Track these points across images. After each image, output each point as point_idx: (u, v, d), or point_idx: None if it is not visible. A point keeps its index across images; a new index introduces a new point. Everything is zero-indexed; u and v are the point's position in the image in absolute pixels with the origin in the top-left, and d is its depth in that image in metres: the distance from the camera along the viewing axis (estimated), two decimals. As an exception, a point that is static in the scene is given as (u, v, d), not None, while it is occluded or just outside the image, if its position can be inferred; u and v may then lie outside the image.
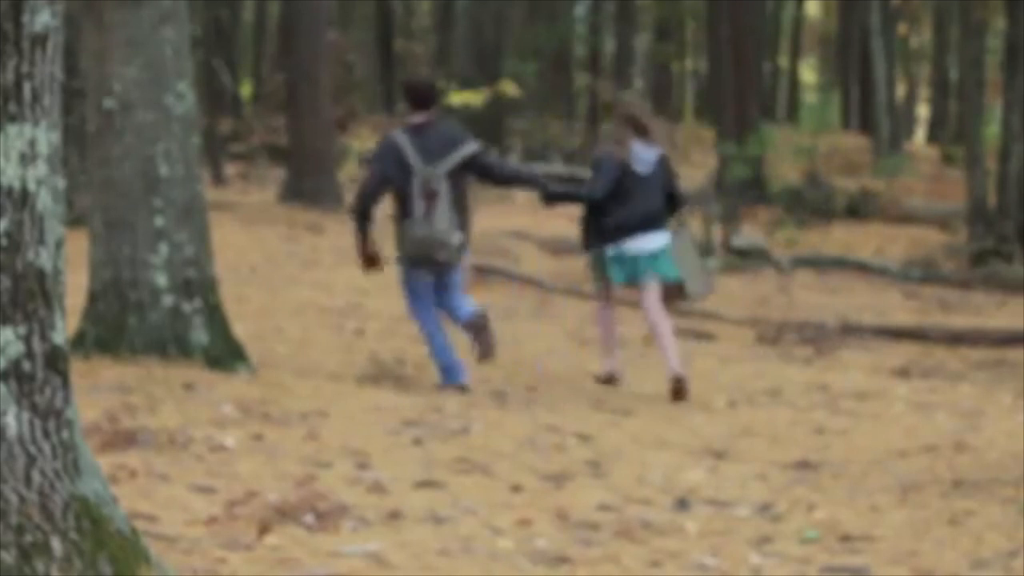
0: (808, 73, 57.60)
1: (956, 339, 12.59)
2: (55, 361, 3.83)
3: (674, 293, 9.68)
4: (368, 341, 10.86)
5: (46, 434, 3.79)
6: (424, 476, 6.37)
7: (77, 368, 5.02)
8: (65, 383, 3.86)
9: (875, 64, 32.40)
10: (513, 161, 24.30)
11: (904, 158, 29.58)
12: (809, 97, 51.71)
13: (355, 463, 6.52)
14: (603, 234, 9.46)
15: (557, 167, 24.23)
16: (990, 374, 10.84)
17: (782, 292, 16.08)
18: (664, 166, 9.57)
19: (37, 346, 3.78)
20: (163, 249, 8.66)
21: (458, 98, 24.90)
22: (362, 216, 9.10)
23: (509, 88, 25.27)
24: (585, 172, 12.67)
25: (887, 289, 17.01)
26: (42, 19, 3.79)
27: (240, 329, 9.22)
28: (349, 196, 15.08)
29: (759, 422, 8.50)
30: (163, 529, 5.15)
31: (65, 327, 3.89)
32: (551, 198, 9.78)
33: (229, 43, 30.56)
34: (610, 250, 9.43)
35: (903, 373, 10.92)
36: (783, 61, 48.95)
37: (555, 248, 18.03)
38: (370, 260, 9.17)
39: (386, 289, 11.70)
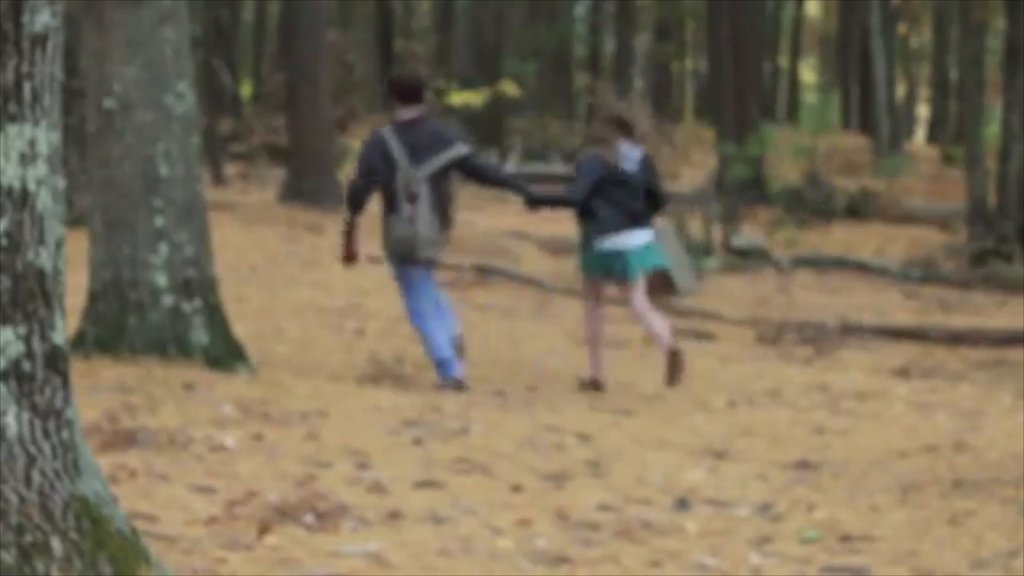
0: (808, 73, 57.63)
1: (956, 339, 12.60)
2: (55, 361, 3.83)
3: (662, 286, 9.78)
4: (368, 341, 10.86)
5: (46, 434, 3.79)
6: (424, 476, 6.37)
7: (77, 368, 5.02)
8: (65, 383, 3.86)
9: (875, 64, 32.42)
10: (514, 160, 24.34)
11: (904, 158, 29.60)
12: (809, 97, 51.74)
13: (355, 463, 6.52)
14: (590, 231, 9.56)
15: (557, 167, 24.21)
16: (990, 374, 10.84)
17: (782, 292, 16.08)
18: (647, 165, 9.69)
19: (37, 346, 3.78)
20: (163, 249, 8.66)
21: (458, 98, 24.89)
22: (354, 207, 9.19)
23: (509, 88, 25.26)
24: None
25: (887, 289, 17.02)
26: (42, 19, 3.79)
27: (240, 329, 9.22)
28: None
29: (759, 422, 8.50)
30: (163, 529, 5.15)
31: (65, 327, 3.89)
32: (534, 203, 9.88)
33: (229, 43, 30.56)
34: (596, 246, 9.52)
35: (903, 373, 10.92)
36: (783, 61, 48.97)
37: (555, 248, 18.03)
38: (350, 255, 9.32)
39: (386, 289, 11.69)
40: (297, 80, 20.87)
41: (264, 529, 5.27)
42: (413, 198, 8.93)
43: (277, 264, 15.13)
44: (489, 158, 19.45)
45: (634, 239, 9.53)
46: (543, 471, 6.71)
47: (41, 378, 3.79)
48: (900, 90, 42.57)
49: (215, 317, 8.79)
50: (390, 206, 9.03)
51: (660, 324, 9.61)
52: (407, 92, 9.17)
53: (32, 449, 3.76)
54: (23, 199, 3.75)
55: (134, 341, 8.59)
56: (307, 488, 5.87)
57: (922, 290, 17.04)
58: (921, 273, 18.15)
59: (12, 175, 3.74)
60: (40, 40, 3.78)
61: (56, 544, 3.71)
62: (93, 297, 8.76)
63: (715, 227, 18.97)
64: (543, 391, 9.27)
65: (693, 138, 33.43)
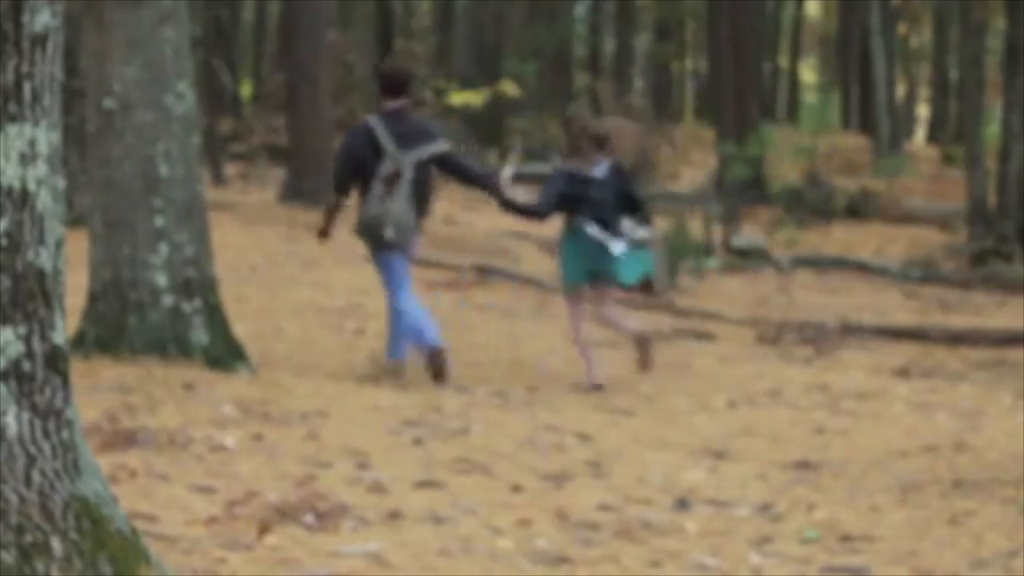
0: (808, 73, 57.62)
1: (956, 339, 12.58)
2: (55, 361, 3.83)
3: (642, 286, 9.94)
4: (368, 341, 10.85)
5: (46, 434, 3.79)
6: (424, 476, 6.37)
7: (77, 368, 5.02)
8: (65, 383, 3.86)
9: (875, 64, 32.41)
10: (514, 160, 24.32)
11: (904, 158, 29.57)
12: (809, 97, 51.70)
13: (355, 463, 6.52)
14: (575, 219, 9.72)
15: (557, 167, 24.20)
16: (990, 374, 10.83)
17: (782, 292, 16.08)
18: (618, 173, 9.86)
19: (37, 346, 3.78)
20: (163, 249, 8.67)
21: (458, 98, 24.89)
22: (339, 191, 9.49)
23: (509, 88, 25.26)
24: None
25: (887, 289, 17.01)
26: (42, 19, 3.79)
27: (240, 329, 9.22)
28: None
29: (759, 422, 8.49)
30: (163, 529, 5.15)
31: (65, 327, 3.89)
32: (506, 207, 9.95)
33: (229, 43, 30.55)
34: (586, 231, 9.64)
35: (903, 373, 10.91)
36: (783, 61, 48.96)
37: (555, 248, 17.98)
38: (324, 232, 9.72)
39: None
40: (297, 80, 20.87)
41: (264, 529, 5.27)
42: (394, 179, 9.15)
43: (277, 264, 15.12)
44: (489, 158, 19.47)
45: (616, 246, 9.63)
46: (543, 471, 6.71)
47: (41, 378, 3.79)
48: (900, 90, 42.56)
49: (215, 317, 8.79)
50: (366, 188, 9.26)
51: (627, 319, 9.92)
52: (394, 84, 9.44)
53: (32, 449, 3.76)
54: (23, 199, 3.75)
55: (134, 341, 8.59)
56: (307, 488, 5.87)
57: (922, 290, 17.03)
58: (921, 273, 18.14)
59: (12, 175, 3.74)
60: (40, 40, 3.78)
61: (56, 544, 3.71)
62: (93, 297, 8.76)
63: (715, 227, 18.97)
64: (543, 391, 9.26)
65: (693, 138, 33.42)
